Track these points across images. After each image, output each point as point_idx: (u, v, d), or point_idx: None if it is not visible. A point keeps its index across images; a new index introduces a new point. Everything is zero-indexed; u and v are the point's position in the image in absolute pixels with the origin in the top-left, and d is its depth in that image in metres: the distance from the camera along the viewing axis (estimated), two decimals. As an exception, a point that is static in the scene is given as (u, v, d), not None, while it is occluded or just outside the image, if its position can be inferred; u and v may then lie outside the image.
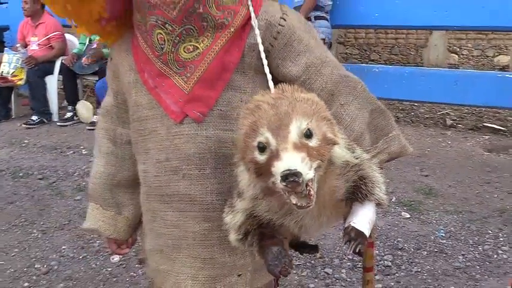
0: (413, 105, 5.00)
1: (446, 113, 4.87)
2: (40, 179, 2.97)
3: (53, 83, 4.58)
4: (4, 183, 2.86)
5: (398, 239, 2.14)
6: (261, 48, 0.76)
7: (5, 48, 4.56)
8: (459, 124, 4.42)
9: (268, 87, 0.76)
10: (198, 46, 0.76)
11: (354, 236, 0.66)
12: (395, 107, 5.13)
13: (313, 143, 0.58)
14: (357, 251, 0.66)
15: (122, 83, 0.85)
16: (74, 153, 3.59)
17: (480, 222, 2.31)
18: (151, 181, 0.82)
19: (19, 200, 2.57)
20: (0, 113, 4.54)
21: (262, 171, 0.59)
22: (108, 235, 0.93)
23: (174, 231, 0.81)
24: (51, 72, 4.57)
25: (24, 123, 4.30)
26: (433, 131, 4.07)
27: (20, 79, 4.42)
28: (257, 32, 0.76)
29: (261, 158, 0.59)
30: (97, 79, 4.33)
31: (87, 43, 4.56)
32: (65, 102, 4.80)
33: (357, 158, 0.68)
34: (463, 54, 9.83)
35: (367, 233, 0.68)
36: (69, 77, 4.50)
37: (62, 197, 2.63)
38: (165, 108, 0.78)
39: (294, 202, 0.57)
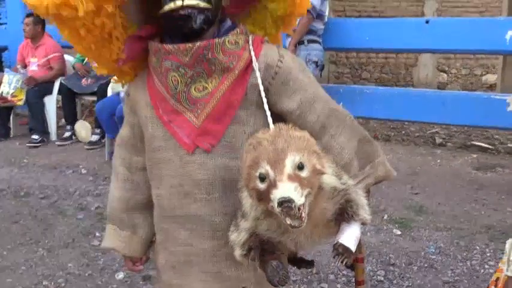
0: (404, 124, 5.14)
1: (436, 131, 5.01)
2: (41, 198, 3.04)
3: (51, 103, 4.66)
4: (6, 203, 2.92)
5: (391, 255, 2.23)
6: (261, 88, 0.87)
7: (5, 69, 4.65)
8: (448, 142, 4.55)
9: (267, 121, 0.87)
10: (207, 86, 0.87)
11: (342, 251, 0.78)
12: (387, 125, 5.26)
13: (304, 174, 0.69)
14: (345, 263, 0.77)
15: (139, 117, 0.96)
16: (73, 172, 3.65)
17: (468, 239, 2.41)
18: (165, 204, 0.92)
19: (23, 219, 2.64)
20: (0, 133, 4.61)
21: (262, 197, 0.70)
22: (125, 253, 1.03)
23: (185, 249, 0.91)
24: (50, 92, 4.65)
25: (27, 143, 4.35)
26: (423, 150, 4.19)
27: (20, 99, 4.50)
28: (258, 74, 0.87)
29: (262, 186, 0.70)
30: (95, 99, 4.42)
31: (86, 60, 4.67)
32: (62, 121, 4.90)
33: (343, 184, 0.79)
34: (451, 73, 10.07)
35: (353, 248, 0.79)
36: (68, 97, 4.58)
37: (64, 216, 2.70)
38: (178, 140, 0.89)
39: (289, 223, 0.68)
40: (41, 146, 4.40)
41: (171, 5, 0.83)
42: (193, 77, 0.86)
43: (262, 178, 0.69)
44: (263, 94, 0.87)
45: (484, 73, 9.73)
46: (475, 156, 3.96)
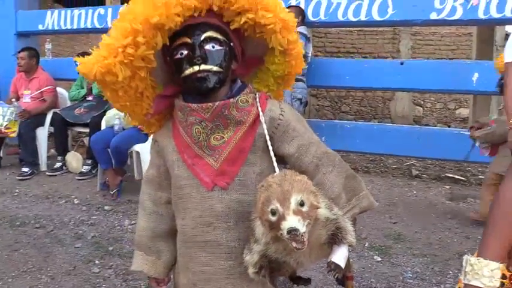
0: (382, 157, 5.42)
1: (412, 163, 5.30)
2: (37, 227, 3.12)
3: (43, 134, 4.77)
4: (4, 232, 3.00)
5: (371, 280, 2.41)
6: (268, 137, 1.08)
7: (0, 102, 4.75)
8: (424, 174, 4.83)
9: (272, 163, 1.08)
10: (224, 136, 1.07)
11: (333, 267, 0.98)
12: (366, 158, 5.54)
13: (305, 209, 0.89)
14: (337, 277, 0.97)
15: (165, 160, 1.15)
16: (66, 202, 3.75)
17: (442, 264, 2.62)
18: (188, 232, 1.11)
19: (22, 248, 2.73)
20: (-9, 163, 4.68)
21: (273, 226, 0.90)
22: (151, 275, 1.21)
23: (205, 269, 1.09)
24: (42, 124, 4.75)
25: (17, 176, 4.42)
26: (400, 181, 4.45)
27: (13, 131, 4.57)
28: (264, 126, 1.08)
29: (273, 218, 0.90)
30: (87, 131, 4.55)
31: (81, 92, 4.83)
32: (51, 151, 4.98)
33: (334, 215, 0.99)
34: (427, 107, 10.57)
35: (342, 265, 0.99)
36: (60, 128, 4.69)
37: (63, 245, 2.80)
38: (200, 180, 1.08)
39: (294, 246, 0.88)
40: (30, 177, 4.45)
41: (190, 70, 1.03)
42: (212, 129, 1.06)
43: (273, 212, 0.89)
44: (269, 143, 1.08)
45: (457, 107, 10.26)
46: (448, 187, 4.24)
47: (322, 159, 1.11)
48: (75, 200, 3.80)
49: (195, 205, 1.09)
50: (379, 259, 2.67)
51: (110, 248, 2.76)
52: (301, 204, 0.89)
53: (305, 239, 0.87)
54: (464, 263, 0.91)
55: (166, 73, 1.14)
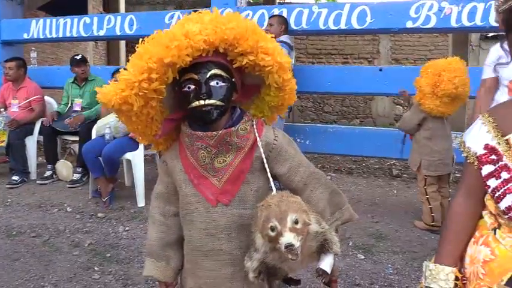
0: (364, 158, 5.64)
1: (393, 163, 5.52)
2: (34, 236, 3.21)
3: (32, 143, 4.84)
4: (1, 242, 3.09)
5: (356, 277, 2.59)
6: (265, 160, 1.24)
7: (-12, 112, 4.80)
8: (404, 174, 5.05)
9: (267, 180, 1.24)
10: (226, 159, 1.23)
11: (321, 273, 1.16)
12: (349, 158, 5.75)
13: (299, 226, 1.05)
14: (323, 282, 1.14)
15: (174, 179, 1.30)
16: (59, 210, 3.83)
17: (421, 260, 2.75)
18: (195, 242, 1.27)
19: (22, 257, 2.82)
20: (-20, 173, 4.73)
21: (272, 240, 1.07)
22: (161, 280, 1.35)
23: (211, 274, 1.25)
24: (31, 133, 4.83)
25: (7, 184, 4.49)
26: (382, 181, 4.66)
27: (2, 141, 4.64)
28: (261, 150, 1.24)
29: (272, 234, 1.06)
30: (77, 139, 4.63)
31: (69, 105, 4.92)
32: (40, 159, 5.04)
33: (322, 228, 1.16)
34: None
35: (329, 271, 1.16)
36: (50, 137, 4.75)
37: (61, 253, 2.90)
38: (205, 197, 1.24)
39: (290, 257, 1.04)
40: (22, 185, 4.54)
41: (196, 103, 1.18)
42: (216, 153, 1.22)
43: (273, 229, 1.05)
44: (266, 165, 1.24)
45: (435, 106, 10.54)
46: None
47: (310, 178, 1.29)
48: (68, 208, 3.88)
49: (201, 219, 1.25)
50: (363, 257, 2.85)
51: (108, 255, 2.88)
52: (296, 222, 1.05)
53: (299, 252, 1.04)
54: (424, 268, 1.10)
55: (173, 99, 1.29)
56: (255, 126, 1.26)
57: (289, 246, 1.01)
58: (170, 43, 1.09)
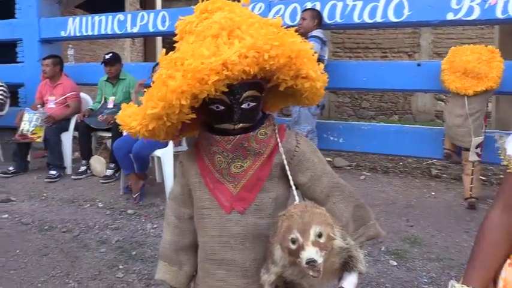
0: (402, 157, 5.40)
1: (432, 163, 5.27)
2: (64, 231, 3.26)
3: (67, 139, 4.96)
4: (33, 237, 3.15)
5: (387, 285, 2.45)
6: (287, 167, 1.16)
7: (26, 108, 4.95)
8: (444, 174, 4.80)
9: (286, 188, 1.18)
10: (243, 165, 1.16)
11: None
12: (385, 157, 5.53)
13: (322, 240, 0.95)
14: None
15: (189, 182, 1.24)
16: (91, 206, 3.89)
17: (458, 269, 2.63)
18: (208, 249, 1.20)
19: (51, 253, 2.87)
20: (20, 167, 4.87)
21: (292, 253, 0.97)
22: (173, 285, 1.30)
23: (222, 284, 1.18)
24: (66, 129, 4.96)
25: (45, 178, 4.63)
26: (419, 182, 4.44)
27: (39, 137, 4.77)
28: (283, 156, 1.16)
29: (293, 246, 0.96)
30: (110, 135, 4.69)
31: (102, 102, 5.00)
32: (75, 155, 5.17)
33: (347, 244, 1.05)
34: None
35: None
36: (85, 133, 4.87)
37: (88, 250, 2.93)
38: (219, 203, 1.17)
39: (311, 274, 0.94)
40: (59, 180, 4.67)
41: (227, 126, 1.13)
42: (233, 158, 1.15)
43: (294, 241, 0.96)
44: (289, 173, 1.16)
45: (479, 102, 10.03)
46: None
47: (333, 189, 1.19)
48: (100, 203, 3.94)
49: (214, 225, 1.18)
50: (395, 263, 2.70)
51: (133, 253, 2.87)
52: (319, 235, 0.96)
53: (321, 269, 0.94)
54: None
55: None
56: (276, 131, 1.19)
57: (311, 262, 0.92)
58: (206, 76, 0.99)
